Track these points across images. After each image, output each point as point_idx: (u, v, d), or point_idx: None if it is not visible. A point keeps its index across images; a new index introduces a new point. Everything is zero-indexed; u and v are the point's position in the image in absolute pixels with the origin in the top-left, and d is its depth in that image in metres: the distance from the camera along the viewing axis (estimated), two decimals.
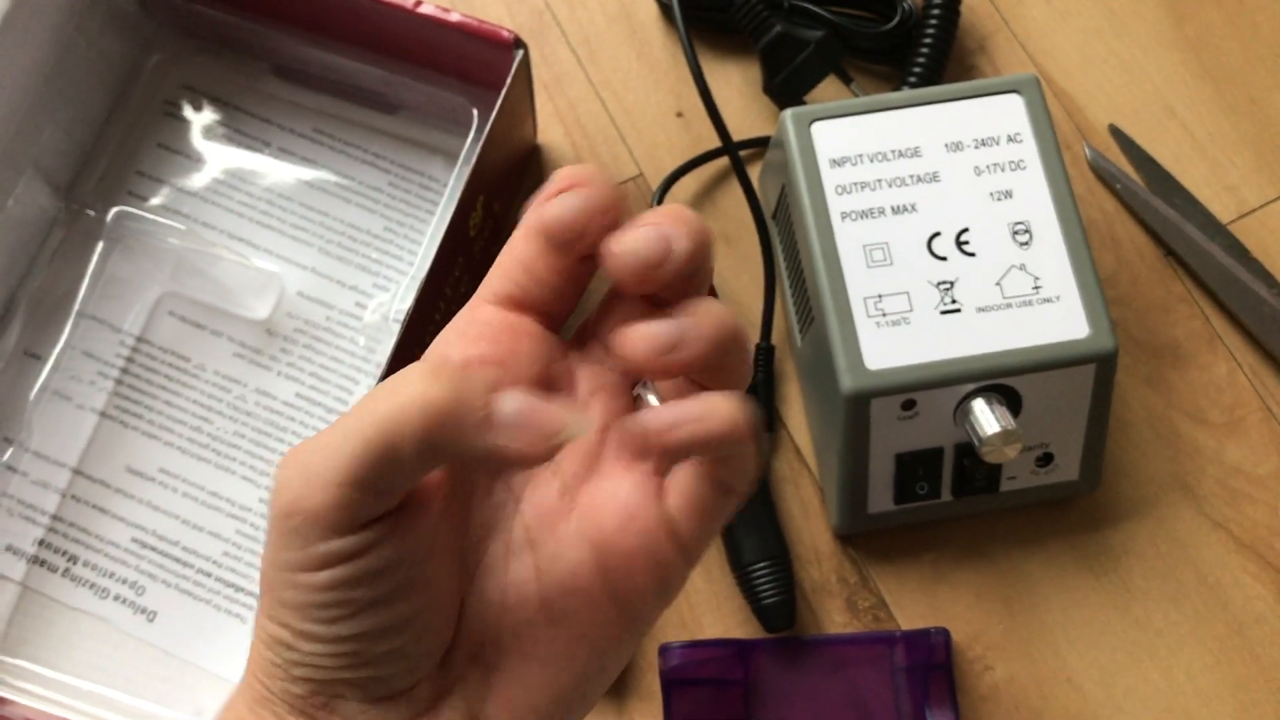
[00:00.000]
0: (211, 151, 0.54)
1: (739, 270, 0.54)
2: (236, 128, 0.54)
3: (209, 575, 0.49)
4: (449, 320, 0.50)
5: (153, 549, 0.49)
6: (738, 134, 0.55)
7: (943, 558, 0.51)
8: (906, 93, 0.48)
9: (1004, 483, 0.49)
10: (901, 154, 0.47)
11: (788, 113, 0.48)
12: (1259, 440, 0.52)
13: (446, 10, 0.48)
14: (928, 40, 0.54)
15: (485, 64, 0.49)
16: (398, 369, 0.45)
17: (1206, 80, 0.57)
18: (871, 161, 0.47)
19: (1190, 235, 0.54)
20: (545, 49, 0.57)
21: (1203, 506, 0.51)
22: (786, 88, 0.54)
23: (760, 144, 0.55)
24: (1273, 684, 0.49)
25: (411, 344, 0.46)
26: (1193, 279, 0.54)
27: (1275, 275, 0.54)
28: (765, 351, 0.52)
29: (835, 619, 0.50)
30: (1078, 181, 0.55)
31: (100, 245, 0.52)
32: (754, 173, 0.55)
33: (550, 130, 0.56)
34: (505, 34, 0.47)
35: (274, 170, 0.54)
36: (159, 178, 0.53)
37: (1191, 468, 0.52)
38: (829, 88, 0.55)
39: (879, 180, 0.47)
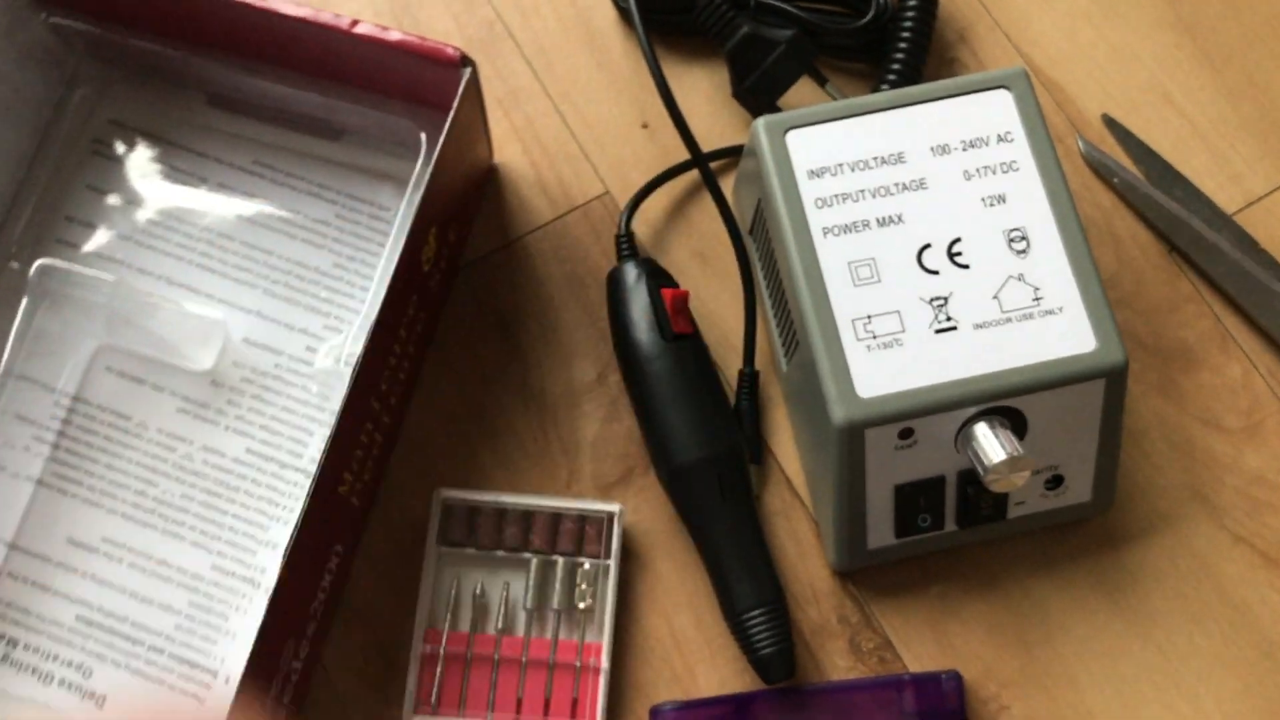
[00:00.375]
0: (145, 191, 0.50)
1: (717, 289, 0.50)
2: (171, 164, 0.51)
3: (161, 652, 0.45)
4: (403, 366, 0.46)
5: (99, 626, 0.46)
6: (708, 143, 0.52)
7: (950, 590, 0.47)
8: (886, 94, 0.45)
9: (1012, 509, 0.45)
10: (884, 161, 0.44)
11: (760, 122, 0.44)
12: (1279, 445, 0.49)
13: (385, 29, 0.44)
14: (905, 34, 0.50)
15: (431, 84, 0.45)
16: (350, 414, 0.42)
17: (1203, 63, 0.53)
18: (852, 170, 0.44)
19: (1195, 228, 0.51)
20: (498, 62, 0.53)
21: (1223, 519, 0.48)
22: (757, 92, 0.51)
23: (733, 154, 0.51)
24: None
25: (365, 390, 0.43)
26: (1200, 275, 0.51)
27: None
28: (749, 377, 0.48)
29: (838, 663, 0.46)
30: (1072, 177, 0.52)
31: (25, 300, 0.48)
32: (727, 184, 0.52)
33: (507, 148, 0.52)
34: (450, 52, 0.44)
35: (213, 208, 0.50)
36: (90, 222, 0.50)
37: (1209, 478, 0.49)
38: (802, 89, 0.52)
39: (861, 190, 0.44)
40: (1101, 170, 0.52)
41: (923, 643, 0.47)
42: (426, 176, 0.43)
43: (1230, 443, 0.49)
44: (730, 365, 0.49)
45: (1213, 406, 0.49)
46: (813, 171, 0.44)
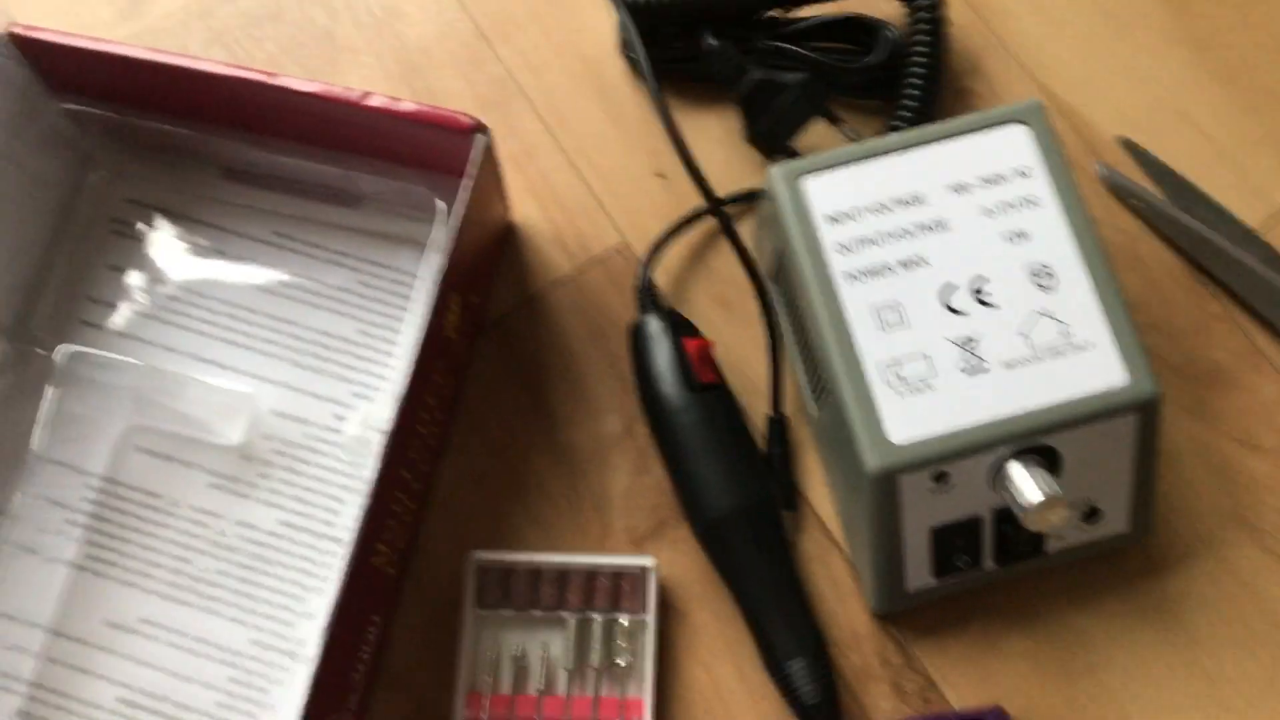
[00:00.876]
0: (166, 267, 0.50)
1: (741, 336, 0.50)
2: (190, 239, 0.51)
3: None
4: (431, 432, 0.46)
5: (140, 707, 0.46)
6: (723, 188, 0.51)
7: (991, 625, 0.47)
8: (901, 135, 0.45)
9: (1049, 543, 0.45)
10: (903, 202, 0.44)
11: (775, 169, 0.44)
12: None
13: (397, 100, 0.44)
14: (916, 69, 0.50)
15: (446, 151, 0.45)
16: (383, 485, 0.42)
17: (1217, 78, 0.53)
18: (872, 214, 0.44)
19: (1220, 246, 0.50)
20: (511, 120, 0.53)
21: (1265, 541, 0.47)
22: (771, 135, 0.50)
23: (750, 198, 0.51)
24: None
25: (395, 462, 0.42)
26: (1228, 294, 0.50)
27: None
28: (778, 423, 0.48)
29: (882, 705, 0.46)
30: (1092, 202, 0.51)
31: (52, 387, 0.48)
32: (745, 228, 0.51)
33: (524, 206, 0.52)
34: (464, 120, 0.44)
35: (234, 281, 0.50)
36: (112, 302, 0.50)
37: (1249, 500, 0.48)
38: (817, 129, 0.52)
39: (882, 234, 0.43)
40: (1121, 193, 0.52)
41: (966, 681, 0.46)
42: (447, 245, 0.43)
43: (1269, 462, 0.48)
44: (758, 410, 0.49)
45: (1248, 426, 0.49)
46: (832, 217, 0.44)
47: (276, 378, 0.49)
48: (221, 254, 0.51)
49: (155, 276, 0.50)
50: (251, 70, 0.45)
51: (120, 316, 0.50)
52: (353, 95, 0.44)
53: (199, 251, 0.51)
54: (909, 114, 0.50)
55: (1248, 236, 0.51)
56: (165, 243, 0.51)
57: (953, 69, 0.53)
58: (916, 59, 0.50)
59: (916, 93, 0.50)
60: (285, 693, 0.46)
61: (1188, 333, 0.50)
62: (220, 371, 0.49)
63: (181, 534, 0.47)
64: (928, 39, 0.50)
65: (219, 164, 0.51)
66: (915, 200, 0.44)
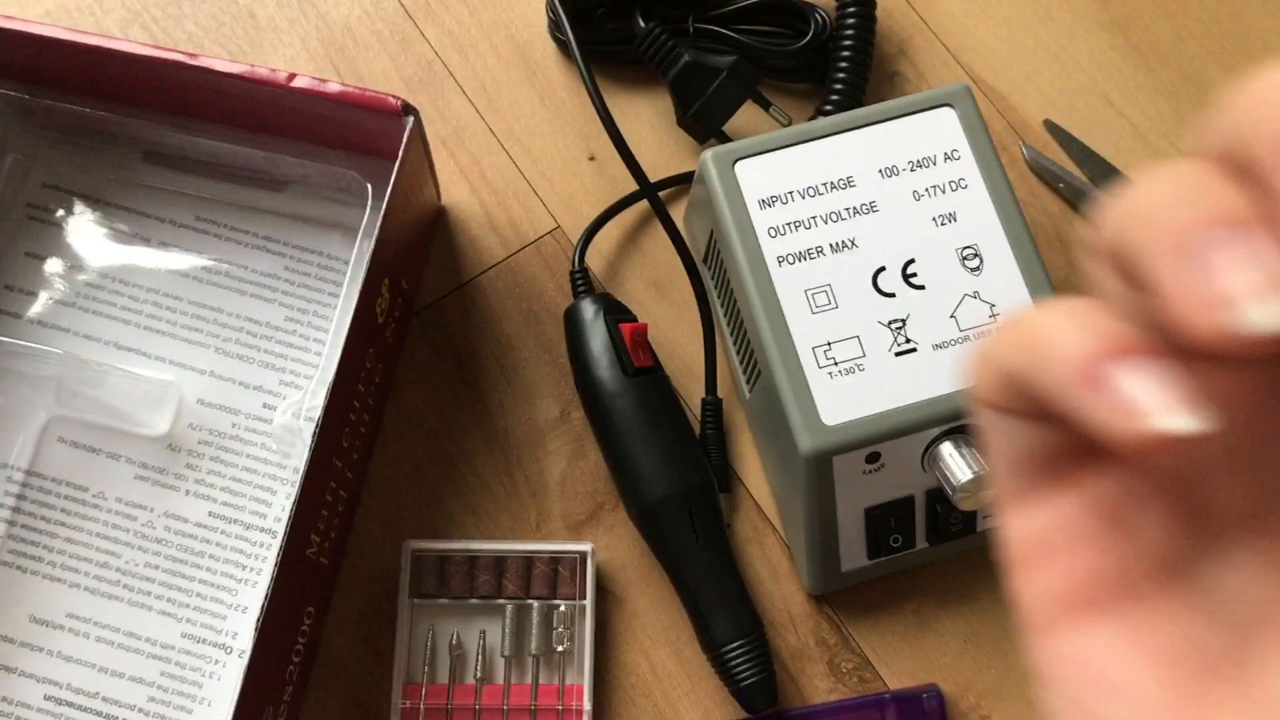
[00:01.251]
0: (86, 254, 0.49)
1: (675, 319, 0.50)
2: (111, 225, 0.49)
3: None
4: (363, 420, 0.46)
5: (69, 704, 0.45)
6: (656, 172, 0.51)
7: (925, 605, 0.47)
8: (832, 119, 0.45)
9: (981, 522, 0.46)
10: (834, 186, 0.44)
11: (708, 154, 0.44)
12: None
13: (324, 82, 0.43)
14: (845, 53, 0.50)
15: (374, 133, 0.45)
16: (314, 475, 0.41)
17: (1139, 63, 0.54)
18: (803, 198, 0.44)
19: None
20: (439, 101, 0.53)
21: None
22: (702, 119, 0.50)
23: (682, 181, 0.51)
24: None
25: (327, 452, 0.42)
26: None
27: None
28: (712, 405, 0.48)
29: (819, 685, 0.46)
30: (1018, 184, 0.52)
31: None
32: (678, 211, 0.51)
33: (455, 189, 0.52)
34: (392, 102, 0.43)
35: (157, 267, 0.49)
36: (31, 290, 0.49)
37: None
38: (748, 113, 0.52)
39: (813, 217, 0.44)
40: (1046, 176, 0.52)
41: (901, 660, 0.47)
42: (376, 229, 0.42)
43: None
44: (693, 394, 0.49)
45: None
46: (763, 201, 0.44)
47: (202, 366, 0.48)
48: (143, 239, 0.49)
49: (75, 263, 0.49)
50: (172, 50, 0.44)
51: (39, 305, 0.48)
52: (278, 77, 0.43)
53: (120, 237, 0.49)
54: (839, 98, 0.50)
55: None
56: (85, 228, 0.49)
57: (881, 53, 0.53)
58: (845, 44, 0.51)
59: (845, 76, 0.50)
60: (219, 686, 0.45)
61: None
62: (144, 360, 0.48)
63: (108, 527, 0.46)
64: (856, 23, 0.51)
65: (139, 147, 0.50)
66: (845, 183, 0.44)
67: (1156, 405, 0.16)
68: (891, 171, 0.44)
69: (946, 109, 0.45)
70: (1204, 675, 0.18)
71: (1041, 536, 0.20)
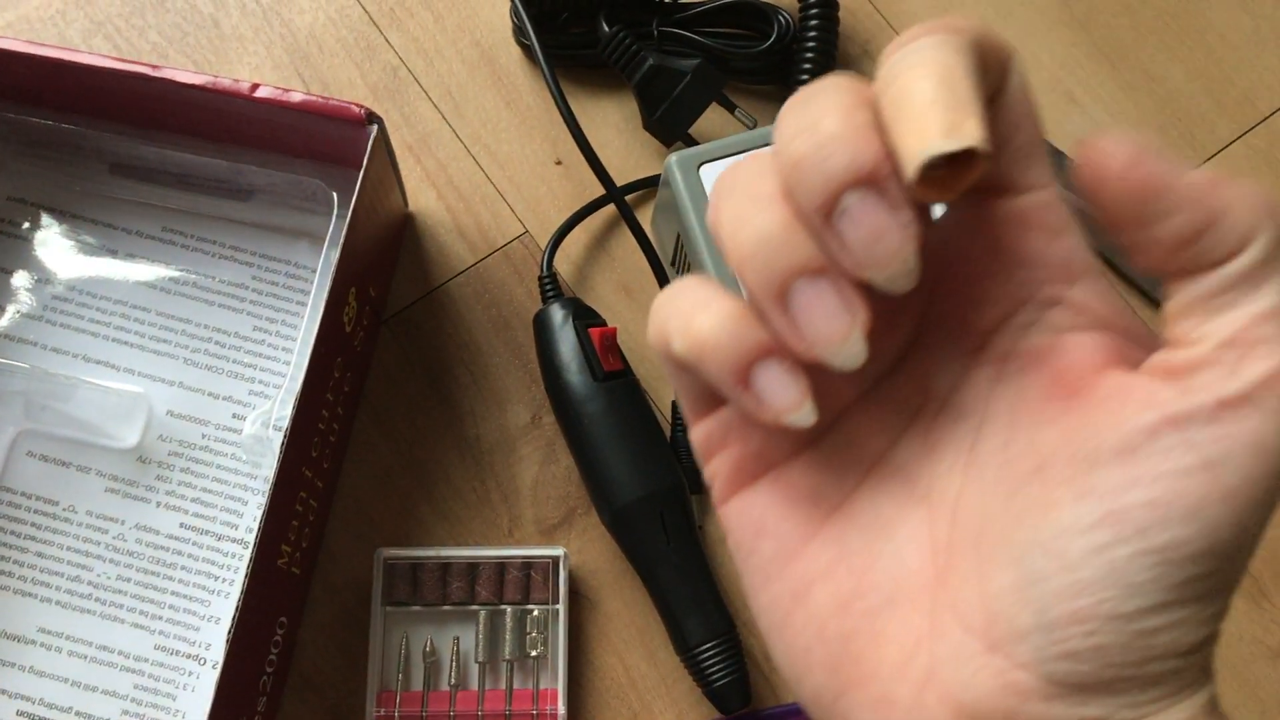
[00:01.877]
0: (53, 267, 0.49)
1: (644, 321, 0.51)
2: (77, 237, 0.49)
3: None
4: (333, 429, 0.46)
5: None
6: (623, 175, 0.52)
7: None
8: None
9: None
10: None
11: (672, 158, 0.45)
12: None
13: (287, 91, 0.43)
14: (809, 54, 0.51)
15: (337, 142, 0.45)
16: (284, 486, 0.41)
17: (1102, 61, 0.54)
18: None
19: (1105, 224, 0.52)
20: (405, 108, 0.53)
21: None
22: (668, 122, 0.51)
23: (649, 184, 0.51)
24: (1246, 686, 0.47)
25: (296, 461, 0.42)
26: (1115, 272, 0.52)
27: None
28: None
29: (791, 684, 0.47)
30: None
31: None
32: (646, 213, 0.52)
33: (422, 196, 0.52)
34: (355, 110, 0.43)
35: (125, 279, 0.49)
36: None
37: None
38: (713, 116, 0.52)
39: None
40: None
41: None
42: (340, 238, 0.42)
43: None
44: (664, 396, 0.50)
45: None
46: None
47: (171, 378, 0.48)
48: (110, 251, 0.49)
49: (42, 276, 0.49)
50: (135, 63, 0.44)
51: (6, 319, 0.48)
52: (240, 87, 0.43)
53: (87, 249, 0.49)
54: None
55: None
56: (51, 241, 0.49)
57: (844, 53, 0.54)
58: (809, 45, 0.51)
59: (810, 78, 0.50)
60: (193, 698, 0.45)
61: None
62: (112, 373, 0.48)
63: (79, 540, 0.46)
64: (820, 24, 0.51)
65: (105, 159, 0.49)
66: None
67: (784, 403, 0.23)
68: None
69: None
70: (826, 511, 0.26)
71: (711, 438, 0.27)
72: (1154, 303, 0.51)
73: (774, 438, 0.26)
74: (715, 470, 0.27)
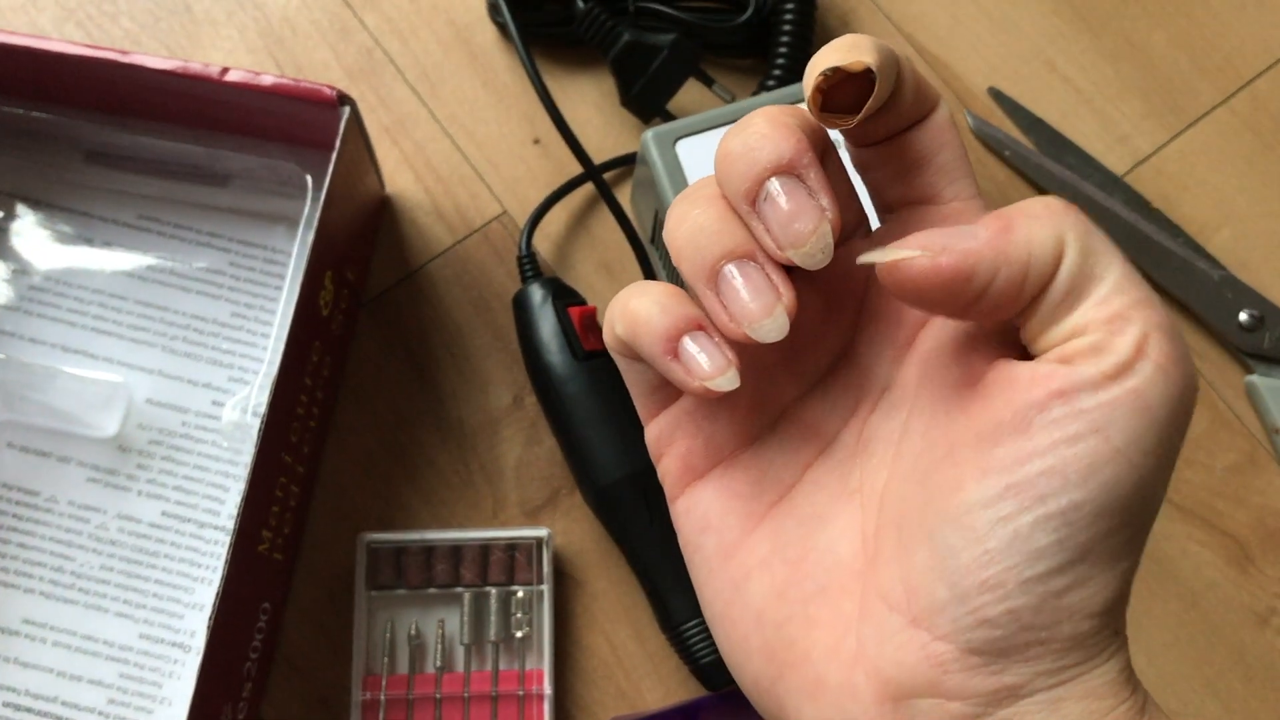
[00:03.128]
0: (29, 256, 0.49)
1: None
2: (53, 226, 0.49)
3: None
4: (312, 414, 0.46)
5: (29, 710, 0.44)
6: (601, 153, 0.51)
7: None
8: (772, 95, 0.45)
9: None
10: None
11: (649, 134, 0.44)
12: None
13: (258, 74, 0.43)
14: (787, 27, 0.50)
15: (311, 124, 0.44)
16: (262, 472, 0.41)
17: (1082, 28, 0.54)
18: None
19: (1088, 194, 0.51)
20: (381, 89, 0.52)
21: None
22: (645, 98, 0.50)
23: (627, 162, 0.51)
24: (1234, 652, 0.47)
25: (274, 447, 0.42)
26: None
27: (1178, 224, 0.52)
28: None
29: None
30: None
31: None
32: (625, 191, 0.51)
33: (399, 178, 0.51)
34: (327, 92, 0.43)
35: (102, 268, 0.49)
36: None
37: None
38: (691, 91, 0.51)
39: None
40: (992, 144, 0.52)
41: None
42: (315, 221, 0.42)
43: None
44: None
45: None
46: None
47: (149, 366, 0.48)
48: (86, 240, 0.49)
49: (18, 266, 0.49)
50: (105, 49, 0.44)
51: None
52: (210, 71, 0.43)
53: (62, 238, 0.49)
54: (781, 73, 0.50)
55: (1114, 183, 0.52)
56: (27, 231, 0.49)
57: (823, 25, 0.53)
58: (787, 18, 0.50)
59: (787, 51, 0.50)
60: (179, 685, 0.45)
61: None
62: (90, 362, 0.48)
63: (61, 530, 0.46)
64: None
65: (80, 147, 0.49)
66: None
67: (708, 370, 0.25)
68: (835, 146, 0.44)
69: None
70: (766, 506, 0.28)
71: (662, 435, 0.29)
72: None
73: (719, 432, 0.28)
74: (667, 468, 0.29)
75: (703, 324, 0.26)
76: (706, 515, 0.28)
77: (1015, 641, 0.23)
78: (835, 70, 0.24)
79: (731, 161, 0.25)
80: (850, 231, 0.28)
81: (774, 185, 0.24)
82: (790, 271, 0.25)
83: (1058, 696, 0.23)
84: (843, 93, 0.24)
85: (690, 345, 0.25)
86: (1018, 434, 0.23)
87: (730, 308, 0.25)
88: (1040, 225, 0.23)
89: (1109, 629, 0.23)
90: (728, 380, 0.25)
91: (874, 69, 0.24)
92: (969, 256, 0.23)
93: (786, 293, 0.25)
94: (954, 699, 0.23)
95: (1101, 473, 0.22)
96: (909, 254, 0.23)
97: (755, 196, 0.24)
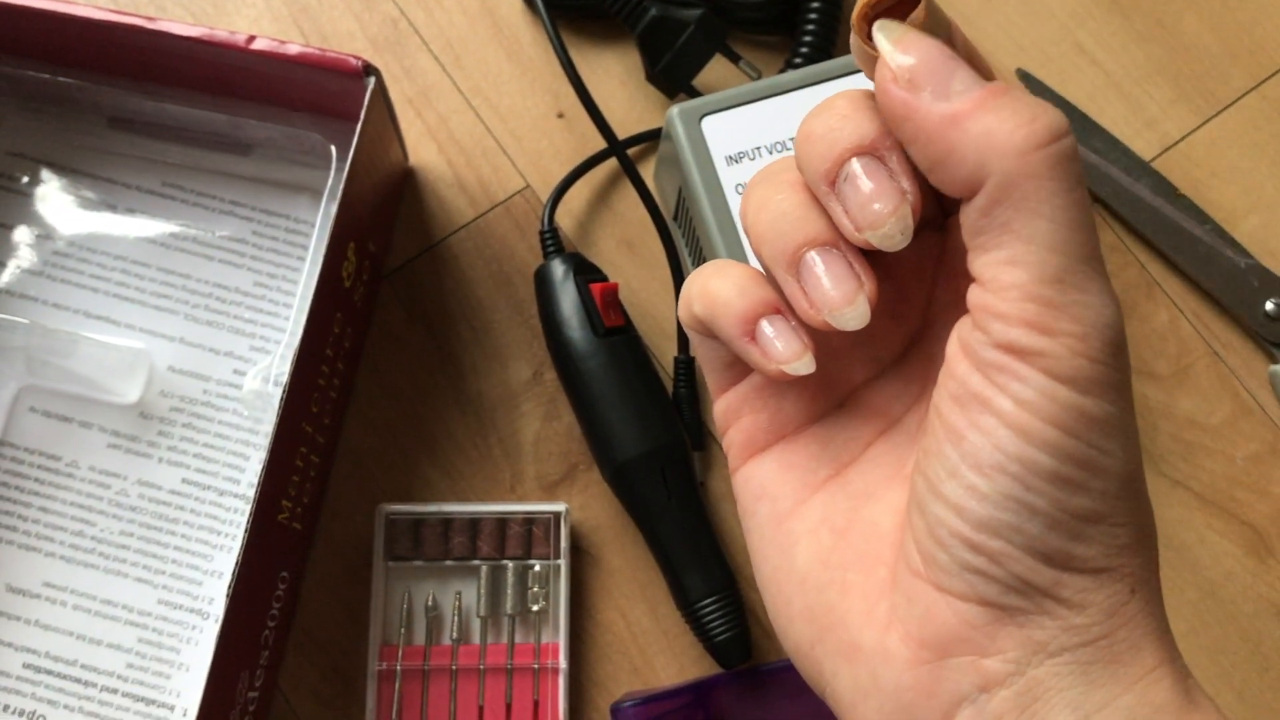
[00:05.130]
0: (53, 222, 0.49)
1: (646, 276, 0.50)
2: (78, 192, 0.49)
3: (115, 692, 0.45)
4: (333, 384, 0.46)
5: (49, 672, 0.45)
6: (625, 128, 0.51)
7: None
8: (798, 73, 0.44)
9: None
10: None
11: (674, 110, 0.44)
12: (1209, 387, 0.50)
13: (283, 43, 0.43)
14: (815, 4, 0.50)
15: (336, 94, 0.44)
16: (283, 442, 0.41)
17: (1113, 10, 0.53)
18: (770, 153, 0.43)
19: (1115, 178, 0.51)
20: (405, 60, 0.52)
21: (1160, 466, 0.49)
22: (671, 74, 0.50)
23: (652, 138, 0.51)
24: (1250, 642, 0.47)
25: (295, 416, 0.42)
26: (1123, 225, 0.51)
27: (1206, 210, 0.51)
28: (685, 364, 0.48)
29: None
30: None
31: None
32: (648, 168, 0.51)
33: (423, 149, 0.51)
34: (353, 62, 0.42)
35: (125, 234, 0.49)
36: None
37: (1144, 426, 0.49)
38: (718, 67, 0.51)
39: None
40: None
41: None
42: (339, 192, 0.42)
43: (1162, 389, 0.50)
44: (665, 352, 0.49)
45: (1143, 354, 0.50)
46: (731, 157, 0.43)
47: (172, 333, 0.48)
48: (110, 206, 0.49)
49: (42, 232, 0.49)
50: (131, 15, 0.43)
51: (7, 274, 0.48)
52: (236, 39, 0.43)
53: (86, 204, 0.49)
54: (808, 50, 0.50)
55: (1142, 168, 0.51)
56: (51, 196, 0.49)
57: (850, 4, 0.53)
58: None
59: (814, 29, 0.50)
60: (196, 651, 0.45)
61: None
62: (113, 328, 0.48)
63: (82, 496, 0.46)
64: None
65: (104, 113, 0.49)
66: None
67: (785, 354, 0.26)
68: None
69: None
70: (822, 479, 0.28)
71: (730, 409, 0.29)
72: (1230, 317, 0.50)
73: (785, 410, 0.29)
74: (731, 440, 0.29)
75: (780, 308, 0.26)
76: (763, 484, 0.28)
77: (1029, 598, 0.24)
78: None
79: (813, 142, 0.25)
80: (925, 220, 0.27)
81: (855, 166, 0.24)
82: (868, 258, 0.26)
83: (1085, 660, 0.24)
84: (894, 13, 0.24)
85: (768, 329, 0.26)
86: (957, 404, 0.24)
87: (811, 295, 0.25)
88: (976, 143, 0.23)
89: (1119, 584, 0.24)
90: (804, 365, 0.26)
91: None
92: (911, 110, 0.23)
93: (868, 281, 0.25)
94: (986, 655, 0.24)
95: (1037, 433, 0.23)
96: (899, 61, 0.23)
97: (835, 177, 0.24)
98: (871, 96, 0.25)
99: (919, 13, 0.23)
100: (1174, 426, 0.49)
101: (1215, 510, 0.48)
